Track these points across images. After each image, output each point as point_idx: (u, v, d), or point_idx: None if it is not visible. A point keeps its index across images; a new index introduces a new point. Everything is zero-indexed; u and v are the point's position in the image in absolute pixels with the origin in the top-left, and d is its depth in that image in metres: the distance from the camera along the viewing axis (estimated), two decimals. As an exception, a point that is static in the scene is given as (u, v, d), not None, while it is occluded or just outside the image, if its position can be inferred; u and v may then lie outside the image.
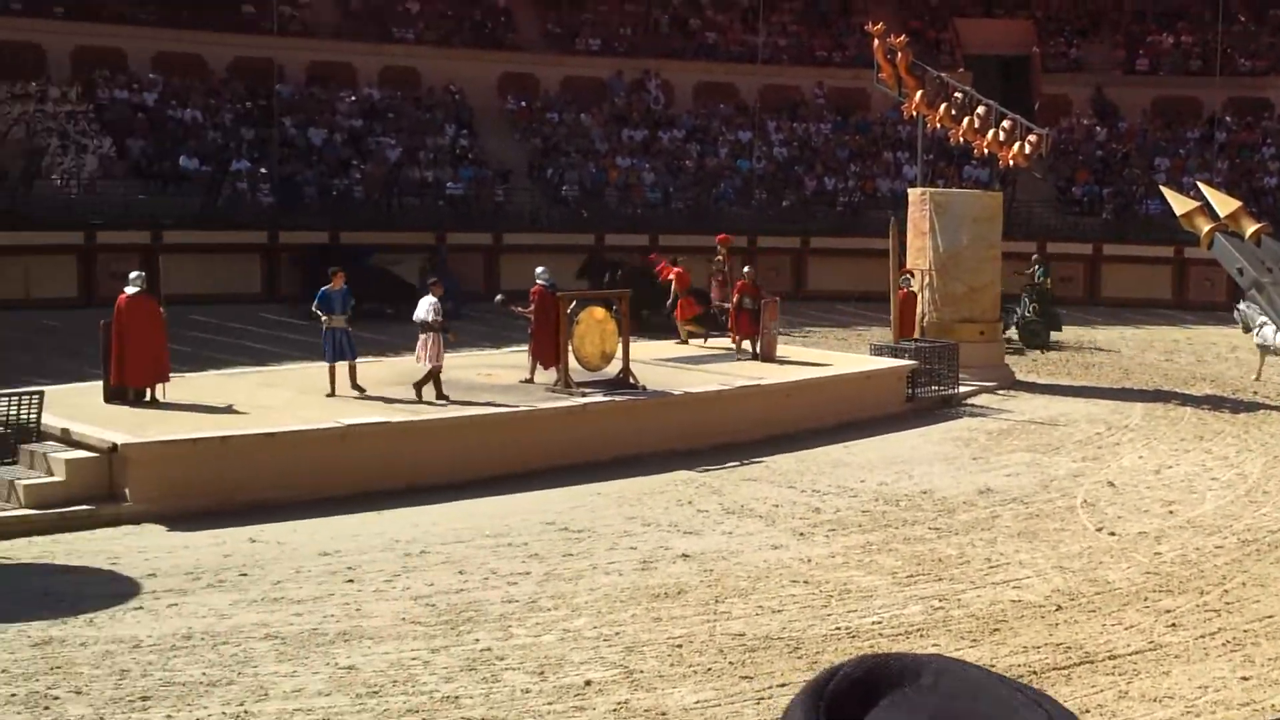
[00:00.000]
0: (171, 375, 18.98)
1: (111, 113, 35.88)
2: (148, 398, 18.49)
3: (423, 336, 19.57)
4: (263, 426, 17.40)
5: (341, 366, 19.49)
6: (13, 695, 10.40)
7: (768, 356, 23.99)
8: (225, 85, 38.47)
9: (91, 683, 10.71)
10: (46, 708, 10.21)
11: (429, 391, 19.33)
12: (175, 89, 37.49)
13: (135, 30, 37.70)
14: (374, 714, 10.28)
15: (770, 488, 18.10)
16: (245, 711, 10.24)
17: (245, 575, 13.68)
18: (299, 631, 11.99)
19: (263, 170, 36.37)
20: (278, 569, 13.91)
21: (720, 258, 27.26)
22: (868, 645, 12.01)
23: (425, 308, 19.65)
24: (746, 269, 25.98)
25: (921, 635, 12.38)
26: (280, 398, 19.21)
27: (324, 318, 19.32)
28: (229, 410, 18.38)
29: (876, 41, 28.38)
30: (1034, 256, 33.17)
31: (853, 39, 43.59)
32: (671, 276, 26.13)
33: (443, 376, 19.72)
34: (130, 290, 18.42)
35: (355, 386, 19.45)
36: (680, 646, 11.82)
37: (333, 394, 19.22)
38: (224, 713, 10.21)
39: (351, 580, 13.56)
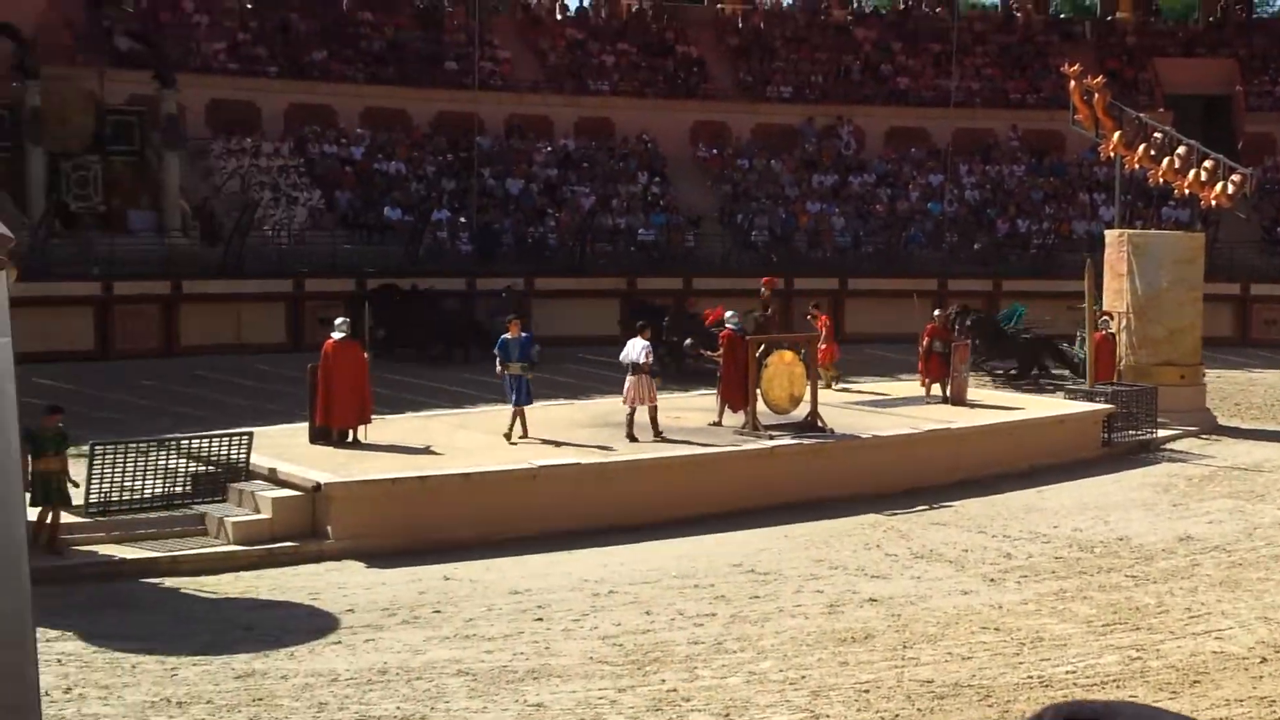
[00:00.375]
0: (373, 417, 19.58)
1: (321, 166, 37.32)
2: (350, 439, 19.10)
3: (632, 378, 19.85)
4: (458, 467, 17.84)
5: (526, 410, 19.72)
6: (213, 725, 10.86)
7: (958, 400, 23.71)
8: (428, 139, 39.71)
9: (290, 715, 11.07)
10: (249, 738, 10.64)
11: (596, 428, 19.60)
12: (381, 143, 38.83)
13: (344, 88, 39.28)
14: (562, 751, 10.44)
15: (960, 532, 17.86)
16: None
17: (439, 612, 14.02)
18: (490, 668, 12.23)
19: (462, 220, 37.37)
20: (470, 606, 14.23)
21: (763, 298, 27.08)
22: (1061, 695, 11.76)
23: (638, 350, 19.88)
24: (937, 312, 25.73)
25: (1118, 686, 12.08)
26: (475, 440, 19.65)
27: (503, 364, 19.66)
28: (426, 451, 18.87)
29: (1073, 83, 27.95)
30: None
31: (1048, 80, 42.95)
32: (821, 324, 25.70)
33: (634, 419, 20.06)
34: (336, 336, 19.10)
35: (509, 431, 19.57)
36: (867, 692, 11.74)
37: (525, 436, 19.56)
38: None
39: (541, 619, 13.79)
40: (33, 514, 14.97)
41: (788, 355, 21.02)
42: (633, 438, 19.61)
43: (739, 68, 45.01)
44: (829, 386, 24.93)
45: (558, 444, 19.29)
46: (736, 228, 39.18)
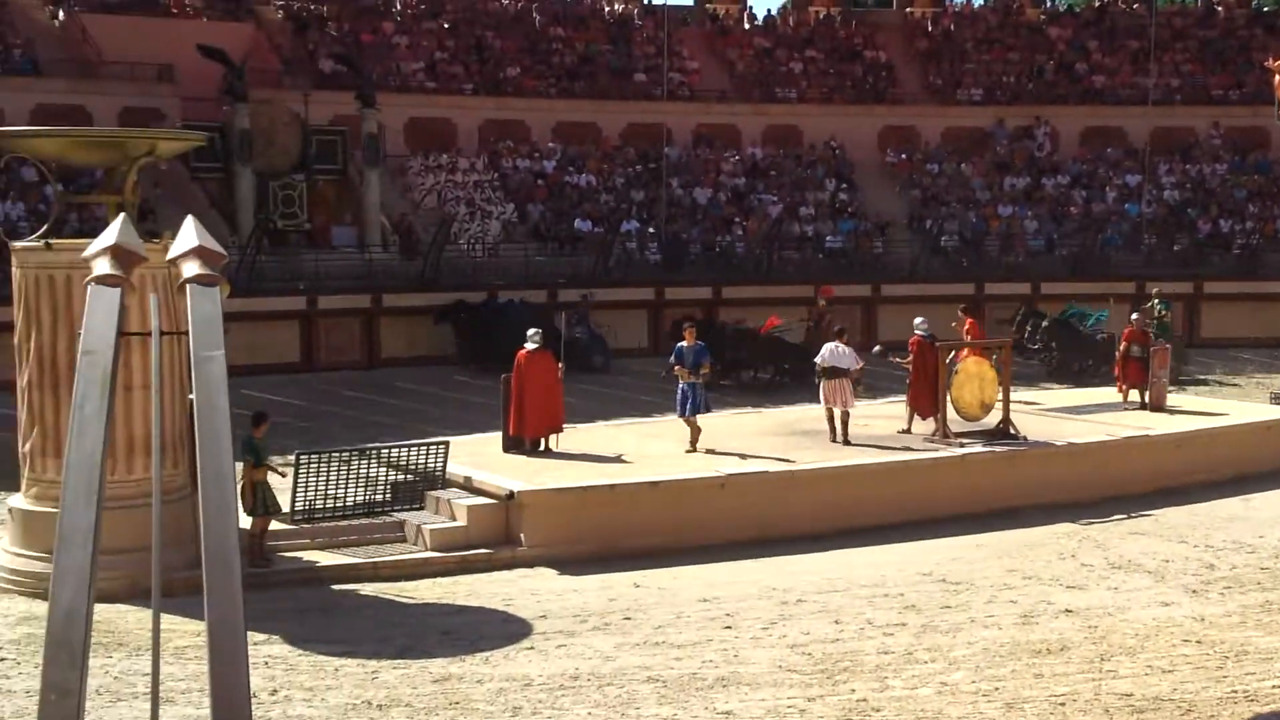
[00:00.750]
0: (564, 426, 19.91)
1: (514, 180, 38.12)
2: (542, 447, 19.46)
3: (834, 382, 20.02)
4: (647, 476, 18.04)
5: (700, 419, 19.54)
6: (416, 727, 11.18)
7: (1157, 406, 23.08)
8: (618, 151, 40.24)
9: (486, 718, 11.34)
10: (446, 740, 10.92)
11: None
12: (572, 156, 39.50)
13: (537, 102, 40.10)
14: (750, 758, 10.49)
15: (1159, 542, 17.41)
16: (624, 752, 10.65)
17: (629, 619, 14.20)
18: (679, 675, 12.35)
19: (651, 230, 37.76)
20: (659, 614, 14.38)
21: (818, 307, 26.69)
22: (1267, 710, 11.42)
23: (847, 356, 20.13)
24: (1134, 315, 25.09)
25: (1327, 702, 11.67)
26: (665, 448, 19.81)
27: (678, 372, 19.68)
28: (617, 460, 19.11)
29: (1278, 77, 27.05)
30: (1155, 291, 31.29)
31: (1251, 75, 41.55)
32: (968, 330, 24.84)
33: (820, 427, 20.04)
34: (530, 346, 19.48)
35: (694, 442, 19.50)
36: (1063, 705, 11.53)
37: (692, 449, 19.38)
38: (608, 753, 10.65)
39: (729, 627, 13.87)
40: (247, 523, 15.60)
41: (979, 362, 20.75)
42: (834, 438, 19.77)
43: (928, 70, 44.57)
44: None
45: (744, 455, 19.30)
46: (926, 233, 38.78)
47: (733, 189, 39.95)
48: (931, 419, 20.46)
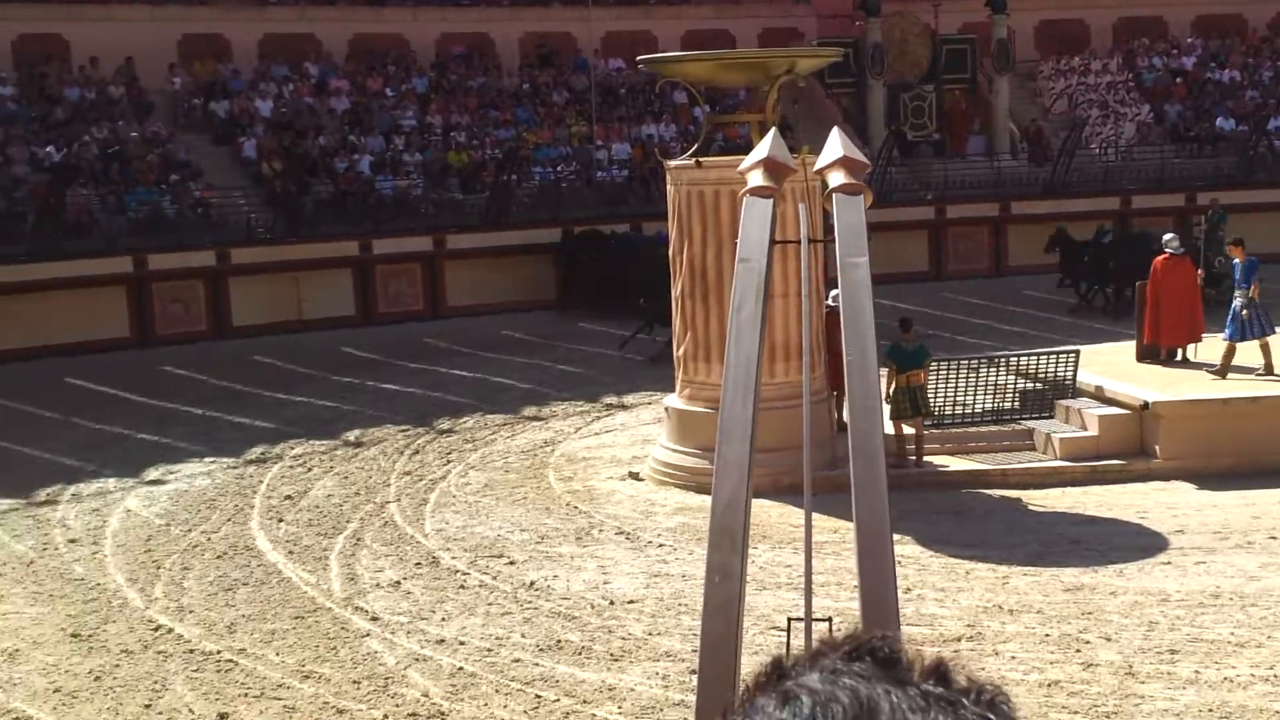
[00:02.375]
0: (1204, 336, 18.97)
1: (1150, 79, 36.41)
2: (1179, 357, 18.68)
3: None
4: (1296, 389, 16.93)
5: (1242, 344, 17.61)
6: (1047, 635, 11.20)
7: None
8: (1265, 43, 37.50)
9: (1120, 631, 11.19)
10: (1078, 650, 10.85)
11: None
12: (1214, 51, 37.19)
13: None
14: None
15: None
16: (1275, 675, 10.18)
17: (1275, 539, 13.49)
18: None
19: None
20: (1309, 535, 13.58)
21: None
22: None
23: None
24: None
25: None
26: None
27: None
28: (1262, 371, 17.98)
29: None
30: None
31: None
32: None
33: None
34: (1169, 251, 18.72)
35: (1267, 367, 17.48)
36: None
37: (1220, 375, 17.46)
38: (1252, 674, 10.22)
39: (1393, 553, 12.89)
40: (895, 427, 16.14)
41: None
42: None
43: None
44: None
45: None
46: None
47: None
48: None
